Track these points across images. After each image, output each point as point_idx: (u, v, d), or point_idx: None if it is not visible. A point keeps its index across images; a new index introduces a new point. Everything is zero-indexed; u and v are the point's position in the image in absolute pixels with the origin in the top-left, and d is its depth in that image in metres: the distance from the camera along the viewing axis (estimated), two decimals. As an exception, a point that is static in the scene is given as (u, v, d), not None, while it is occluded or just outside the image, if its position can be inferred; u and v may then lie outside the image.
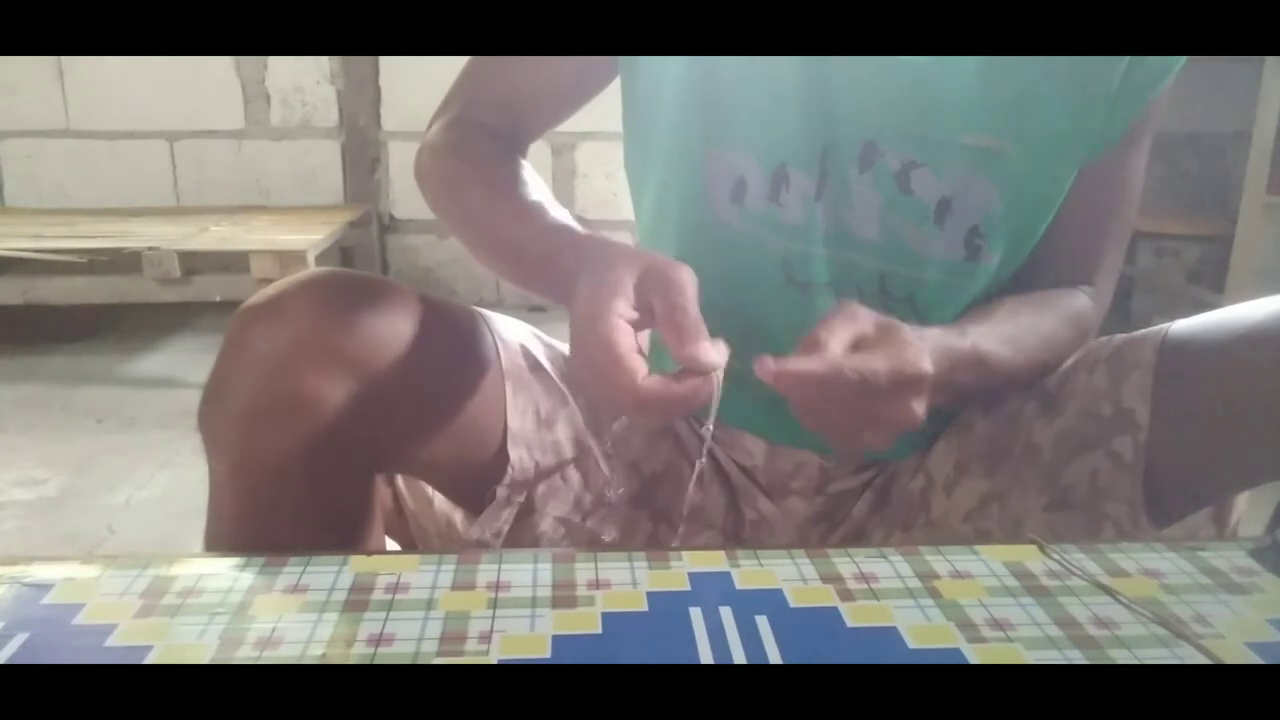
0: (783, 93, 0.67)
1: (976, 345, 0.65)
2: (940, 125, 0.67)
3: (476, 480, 0.71)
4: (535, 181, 0.74)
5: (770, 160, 0.69)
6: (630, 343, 0.53)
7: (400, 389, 0.62)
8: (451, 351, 0.68)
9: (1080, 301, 0.75)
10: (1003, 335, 0.67)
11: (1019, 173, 0.68)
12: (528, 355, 0.73)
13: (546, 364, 0.74)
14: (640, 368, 0.53)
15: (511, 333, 0.73)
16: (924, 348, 0.56)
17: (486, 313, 0.73)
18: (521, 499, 0.71)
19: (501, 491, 0.70)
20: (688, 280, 0.55)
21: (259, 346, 0.59)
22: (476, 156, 0.76)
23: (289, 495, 0.60)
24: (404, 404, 0.63)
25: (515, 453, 0.70)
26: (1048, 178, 0.70)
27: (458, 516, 0.74)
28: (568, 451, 0.73)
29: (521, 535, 0.72)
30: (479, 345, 0.70)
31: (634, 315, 0.54)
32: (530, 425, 0.71)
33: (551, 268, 0.63)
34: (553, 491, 0.72)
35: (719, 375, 0.53)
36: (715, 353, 0.53)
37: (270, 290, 0.61)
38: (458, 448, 0.69)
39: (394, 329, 0.62)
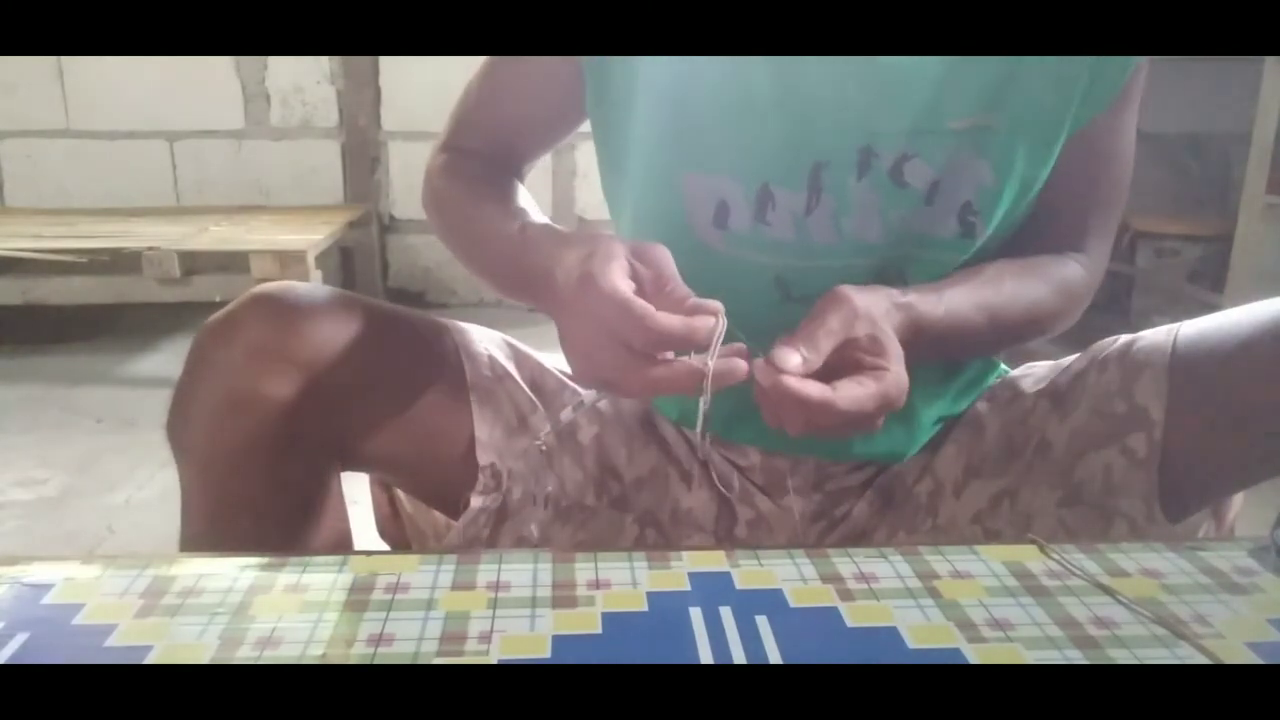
0: (764, 113, 0.67)
1: (950, 312, 0.66)
2: (928, 116, 0.67)
3: (450, 487, 0.73)
4: (521, 194, 0.75)
5: (753, 181, 0.68)
6: (633, 293, 0.54)
7: (350, 391, 0.66)
8: (407, 358, 0.70)
9: (1070, 269, 0.75)
10: (980, 302, 0.68)
11: (1007, 145, 0.68)
12: (495, 365, 0.74)
13: (515, 373, 0.75)
14: (651, 308, 0.53)
15: (479, 343, 0.74)
16: (901, 362, 0.59)
17: (456, 324, 0.75)
18: (496, 506, 0.72)
19: (475, 499, 0.72)
20: (669, 256, 0.57)
21: (216, 357, 0.64)
22: (464, 175, 0.79)
23: (252, 492, 0.64)
24: (355, 405, 0.67)
25: (485, 461, 0.72)
26: (1037, 148, 0.69)
27: (455, 518, 0.74)
28: (539, 457, 0.74)
29: (501, 541, 0.73)
30: (441, 354, 0.72)
31: (630, 284, 0.55)
32: (499, 433, 0.72)
33: (528, 264, 0.64)
34: (527, 497, 0.73)
35: (723, 318, 0.55)
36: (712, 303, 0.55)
37: (226, 308, 0.65)
38: (421, 452, 0.71)
39: (342, 335, 0.66)
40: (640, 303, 0.53)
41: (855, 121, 0.67)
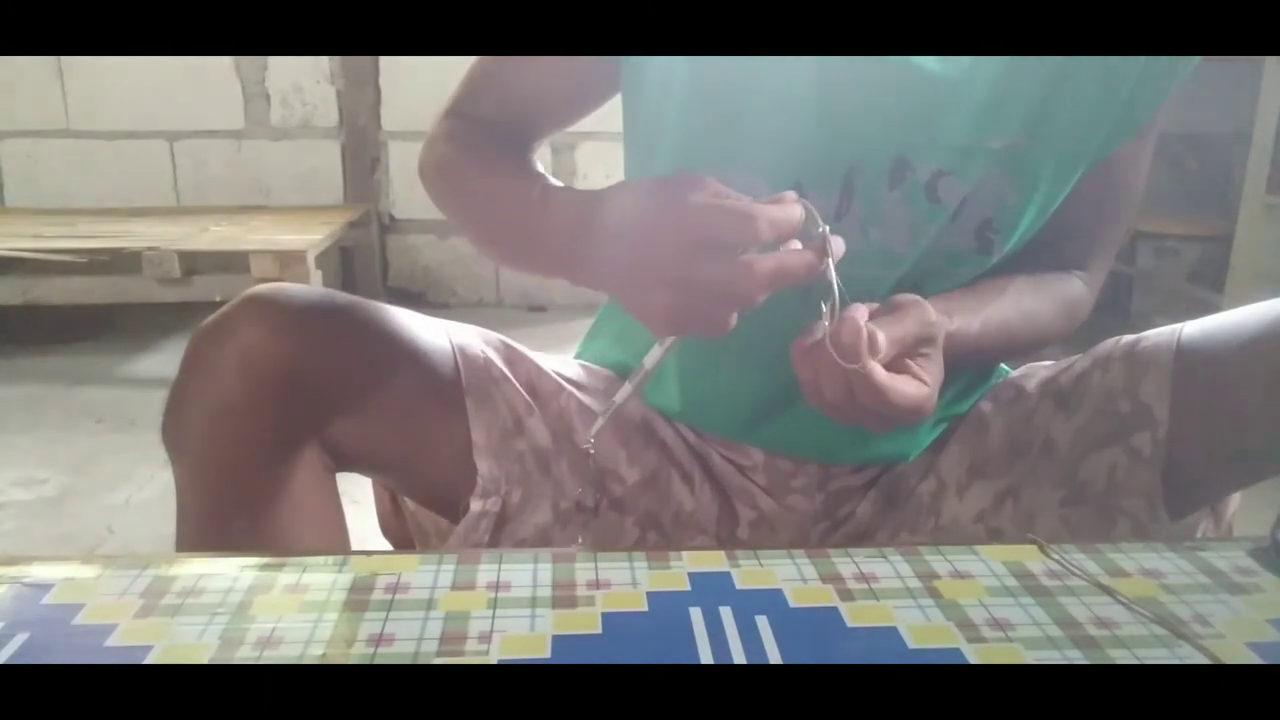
0: (800, 114, 0.66)
1: (982, 334, 0.68)
2: (968, 133, 0.66)
3: (447, 490, 0.72)
4: (535, 162, 0.74)
5: (783, 181, 0.67)
6: None
7: (343, 393, 0.66)
8: (402, 360, 0.69)
9: (1076, 288, 0.77)
10: (1004, 322, 0.70)
11: (1036, 166, 0.68)
12: (491, 367, 0.73)
13: (511, 375, 0.74)
14: (748, 200, 0.54)
15: (474, 345, 0.74)
16: (938, 387, 0.61)
17: (452, 325, 0.74)
18: (496, 510, 0.72)
19: (475, 503, 0.71)
20: (708, 178, 0.57)
21: (209, 359, 0.63)
22: (472, 141, 0.77)
23: (246, 494, 0.64)
24: (348, 407, 0.67)
25: (483, 465, 0.71)
26: (1062, 171, 0.70)
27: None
28: (536, 461, 0.73)
29: (502, 544, 0.72)
30: (436, 356, 0.71)
31: None
32: (496, 437, 0.72)
33: (558, 227, 0.63)
34: (527, 500, 0.73)
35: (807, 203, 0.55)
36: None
37: (219, 310, 0.65)
38: (417, 455, 0.71)
39: (335, 337, 0.66)
40: (736, 202, 0.53)
41: (892, 131, 0.66)
